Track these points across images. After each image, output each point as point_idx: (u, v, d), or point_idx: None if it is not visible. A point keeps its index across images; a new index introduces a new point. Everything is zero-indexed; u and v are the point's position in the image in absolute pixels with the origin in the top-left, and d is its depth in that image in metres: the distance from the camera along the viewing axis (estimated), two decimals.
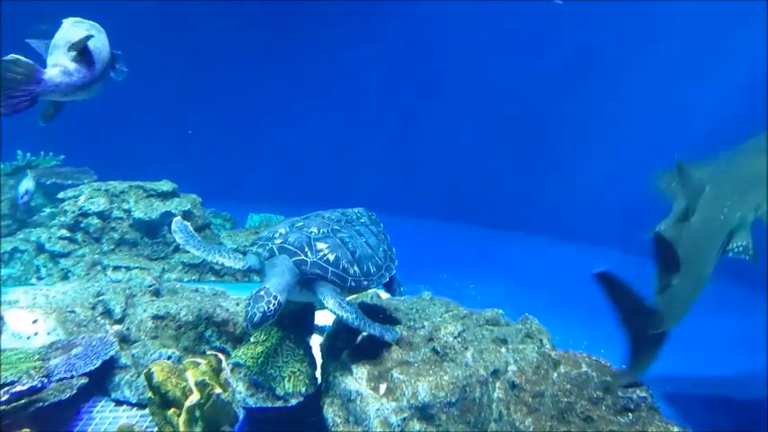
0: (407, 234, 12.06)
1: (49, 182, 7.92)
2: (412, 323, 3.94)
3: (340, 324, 4.09)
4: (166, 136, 16.35)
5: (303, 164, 16.22)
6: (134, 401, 3.86)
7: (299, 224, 3.94)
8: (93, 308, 4.79)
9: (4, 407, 3.20)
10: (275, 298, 3.30)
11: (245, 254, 3.76)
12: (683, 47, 12.94)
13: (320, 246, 3.69)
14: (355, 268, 3.77)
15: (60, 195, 6.94)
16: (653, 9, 13.54)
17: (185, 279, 6.21)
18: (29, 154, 8.55)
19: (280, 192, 12.91)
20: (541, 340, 3.71)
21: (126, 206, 6.65)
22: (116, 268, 6.17)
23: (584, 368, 3.01)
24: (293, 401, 3.66)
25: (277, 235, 3.77)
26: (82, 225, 6.62)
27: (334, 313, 3.44)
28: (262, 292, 3.32)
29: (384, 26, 16.75)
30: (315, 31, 17.23)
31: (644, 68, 13.84)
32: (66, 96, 3.97)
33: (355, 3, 16.30)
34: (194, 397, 2.41)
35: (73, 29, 4.10)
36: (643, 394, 2.85)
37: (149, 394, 2.74)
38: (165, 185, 6.96)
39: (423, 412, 3.14)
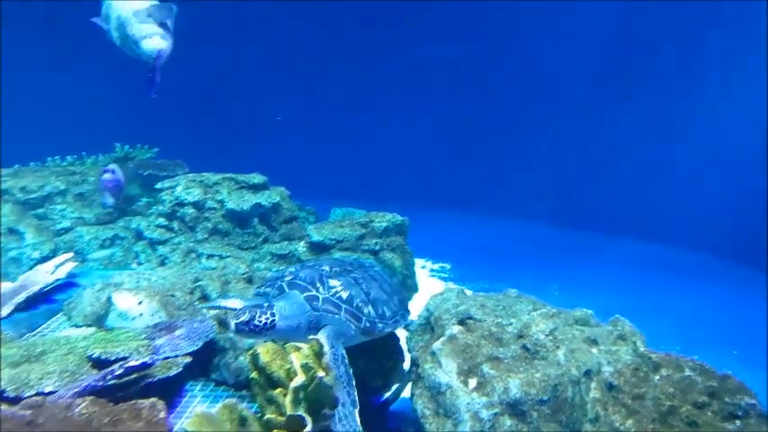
0: (491, 233, 12.05)
1: (146, 173, 8.28)
2: (499, 320, 3.92)
3: (428, 319, 4.14)
4: (253, 131, 16.94)
5: (387, 162, 16.38)
6: (232, 382, 4.05)
7: (311, 263, 3.86)
8: (192, 292, 5.04)
9: (115, 381, 3.43)
10: (273, 315, 3.15)
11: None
12: None
13: (333, 282, 3.55)
14: (370, 308, 3.59)
15: (158, 186, 7.29)
16: None
17: (273, 269, 6.41)
18: (127, 146, 8.94)
19: (361, 189, 13.09)
20: (635, 342, 3.61)
21: (219, 197, 6.92)
22: (210, 256, 6.46)
23: (688, 372, 2.92)
24: (384, 394, 3.74)
25: (287, 273, 3.68)
26: (178, 214, 6.95)
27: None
28: (265, 305, 3.21)
29: (470, 25, 16.69)
30: (399, 29, 17.35)
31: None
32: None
33: (448, 2, 16.30)
34: (299, 378, 2.50)
35: None
36: (752, 401, 2.74)
37: (253, 374, 2.87)
38: (256, 178, 7.18)
39: (514, 409, 3.13)
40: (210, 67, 16.47)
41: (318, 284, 3.50)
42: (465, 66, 17.03)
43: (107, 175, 6.49)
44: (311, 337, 2.86)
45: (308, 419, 2.40)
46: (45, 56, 15.91)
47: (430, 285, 7.67)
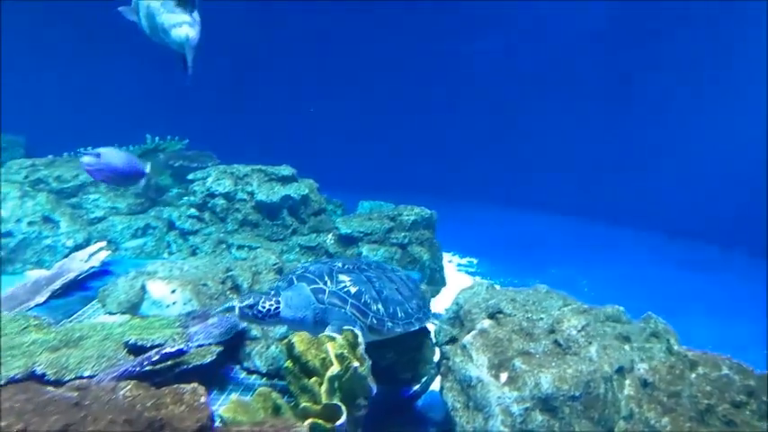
0: (518, 228, 12.01)
1: (177, 164, 8.39)
2: (530, 314, 3.90)
3: (457, 313, 4.15)
4: (282, 124, 17.08)
5: (415, 156, 16.40)
6: (264, 371, 4.09)
7: (326, 260, 3.86)
8: (223, 282, 5.10)
9: (151, 367, 3.50)
10: (278, 303, 3.16)
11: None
12: None
13: (342, 277, 3.51)
14: (379, 306, 3.51)
15: (190, 177, 7.39)
16: None
17: (302, 260, 6.46)
18: (157, 138, 9.03)
19: (389, 182, 13.12)
20: (668, 340, 3.57)
21: (249, 188, 7.00)
22: (240, 247, 6.54)
23: (725, 371, 2.88)
24: (414, 386, 3.75)
25: (299, 268, 3.69)
26: (209, 205, 7.06)
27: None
28: (271, 292, 3.20)
29: (499, 20, 16.61)
30: (427, 25, 17.33)
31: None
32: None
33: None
34: (335, 368, 2.53)
35: None
36: None
37: (288, 363, 2.90)
38: (286, 170, 7.25)
39: (545, 404, 3.12)
40: (239, 60, 16.61)
41: (327, 278, 3.49)
42: (494, 60, 16.96)
43: (87, 159, 4.92)
44: (345, 327, 2.89)
45: (344, 408, 2.43)
46: (73, 49, 16.17)
47: (458, 280, 7.68)
